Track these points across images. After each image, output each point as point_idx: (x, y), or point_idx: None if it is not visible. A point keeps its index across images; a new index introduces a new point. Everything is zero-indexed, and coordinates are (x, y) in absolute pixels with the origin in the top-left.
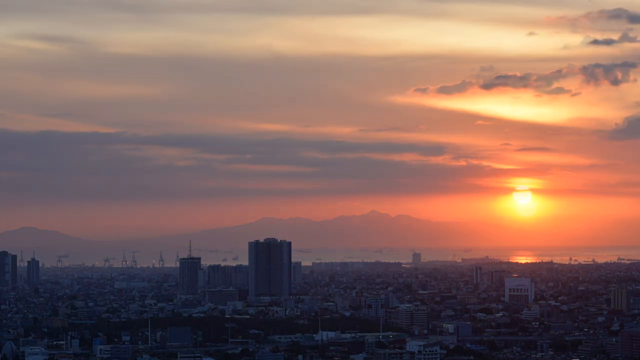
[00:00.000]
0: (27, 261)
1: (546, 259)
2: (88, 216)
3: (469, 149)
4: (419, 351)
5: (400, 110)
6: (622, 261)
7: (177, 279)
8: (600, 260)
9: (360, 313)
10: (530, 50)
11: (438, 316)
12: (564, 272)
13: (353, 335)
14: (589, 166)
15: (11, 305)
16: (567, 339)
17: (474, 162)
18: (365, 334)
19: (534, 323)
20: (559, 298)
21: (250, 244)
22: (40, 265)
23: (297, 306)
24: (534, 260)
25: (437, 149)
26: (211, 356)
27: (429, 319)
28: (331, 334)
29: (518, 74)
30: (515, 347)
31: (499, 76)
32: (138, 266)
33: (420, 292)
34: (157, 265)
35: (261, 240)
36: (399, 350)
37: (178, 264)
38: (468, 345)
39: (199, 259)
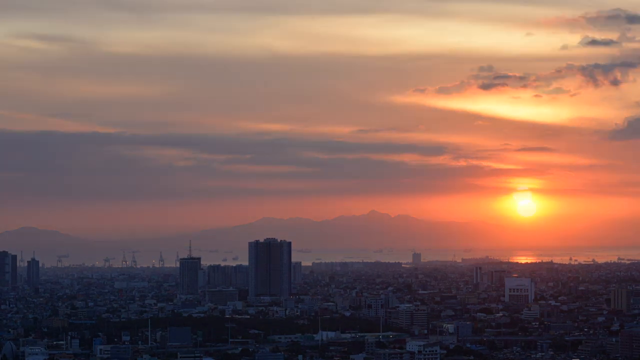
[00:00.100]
0: (27, 261)
1: (546, 259)
2: (88, 216)
3: (469, 149)
4: (419, 351)
5: (400, 110)
6: (622, 261)
7: (177, 279)
8: (600, 260)
9: (360, 313)
10: (529, 50)
11: (438, 316)
12: (564, 272)
13: (353, 335)
14: (589, 166)
15: (11, 305)
16: (567, 339)
17: (474, 162)
18: (365, 334)
19: (534, 323)
20: (559, 298)
21: (250, 244)
22: (40, 265)
23: (297, 306)
24: (534, 260)
25: (437, 149)
26: (211, 356)
27: (429, 319)
28: (331, 334)
29: (517, 74)
30: (515, 347)
31: (499, 76)
32: (138, 266)
33: (420, 292)
34: (157, 265)
35: (261, 240)
36: (399, 350)
37: (178, 264)
38: (468, 345)
39: (199, 259)
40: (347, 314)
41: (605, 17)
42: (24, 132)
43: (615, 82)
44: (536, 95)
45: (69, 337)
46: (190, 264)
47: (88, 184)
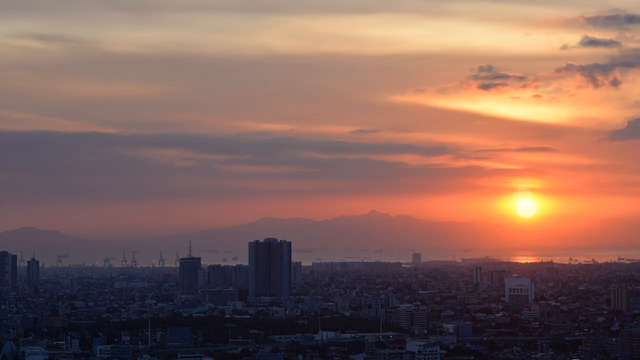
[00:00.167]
0: (27, 261)
1: (546, 259)
2: (88, 216)
3: (469, 149)
4: (419, 351)
5: (400, 110)
6: (622, 261)
7: (177, 279)
8: (600, 260)
9: (360, 313)
10: (529, 50)
11: (438, 316)
12: (564, 272)
13: (353, 335)
14: (588, 166)
15: (11, 305)
16: (567, 339)
17: (474, 162)
18: (365, 334)
19: (534, 323)
20: (559, 298)
21: (250, 244)
22: (40, 265)
23: (297, 306)
24: (534, 260)
25: (437, 149)
26: (211, 356)
27: (429, 319)
28: (331, 334)
29: (517, 74)
30: (515, 347)
31: (499, 76)
32: (138, 266)
33: (420, 292)
34: (157, 265)
35: (261, 240)
36: (399, 350)
37: (178, 264)
38: (468, 345)
39: (199, 259)
40: (347, 314)
41: (604, 17)
42: (24, 132)
43: (615, 82)
44: (536, 96)
45: (69, 337)
46: (190, 264)
47: (88, 184)
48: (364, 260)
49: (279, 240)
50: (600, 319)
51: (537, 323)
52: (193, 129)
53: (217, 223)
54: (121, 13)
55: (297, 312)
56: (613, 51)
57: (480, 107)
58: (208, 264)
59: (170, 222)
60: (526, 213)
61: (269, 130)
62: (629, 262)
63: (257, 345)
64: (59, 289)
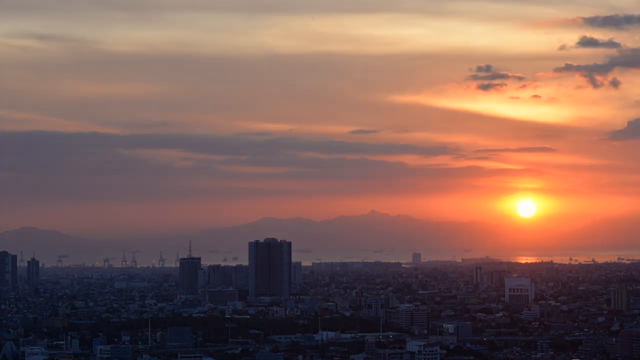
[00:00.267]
0: (27, 261)
1: (546, 259)
2: (88, 216)
3: (469, 149)
4: (419, 351)
5: (400, 110)
6: (622, 261)
7: (177, 279)
8: (600, 260)
9: (360, 313)
10: (528, 50)
11: (438, 316)
12: (564, 272)
13: (353, 335)
14: (589, 166)
15: (11, 305)
16: (567, 339)
17: (474, 162)
18: (365, 334)
19: (534, 323)
20: (559, 298)
21: (250, 244)
22: (40, 265)
23: (297, 306)
24: (534, 260)
25: (437, 149)
26: (211, 356)
27: (429, 319)
28: (331, 334)
29: (517, 74)
30: (515, 347)
31: (498, 76)
32: (138, 266)
33: (420, 292)
34: (157, 265)
35: (261, 240)
36: (399, 350)
37: (178, 264)
38: (468, 345)
39: (199, 259)
40: (347, 314)
41: (603, 17)
42: (23, 132)
43: (614, 83)
44: (535, 96)
45: (69, 337)
46: (190, 264)
47: (88, 184)
48: (364, 260)
49: (279, 240)
50: (600, 319)
51: (537, 323)
52: (193, 129)
53: (217, 223)
54: (121, 13)
55: (297, 312)
56: (612, 51)
57: (480, 107)
58: (208, 264)
59: (170, 222)
60: (526, 213)
61: (269, 130)
62: (629, 262)
63: (257, 345)
64: (59, 289)
